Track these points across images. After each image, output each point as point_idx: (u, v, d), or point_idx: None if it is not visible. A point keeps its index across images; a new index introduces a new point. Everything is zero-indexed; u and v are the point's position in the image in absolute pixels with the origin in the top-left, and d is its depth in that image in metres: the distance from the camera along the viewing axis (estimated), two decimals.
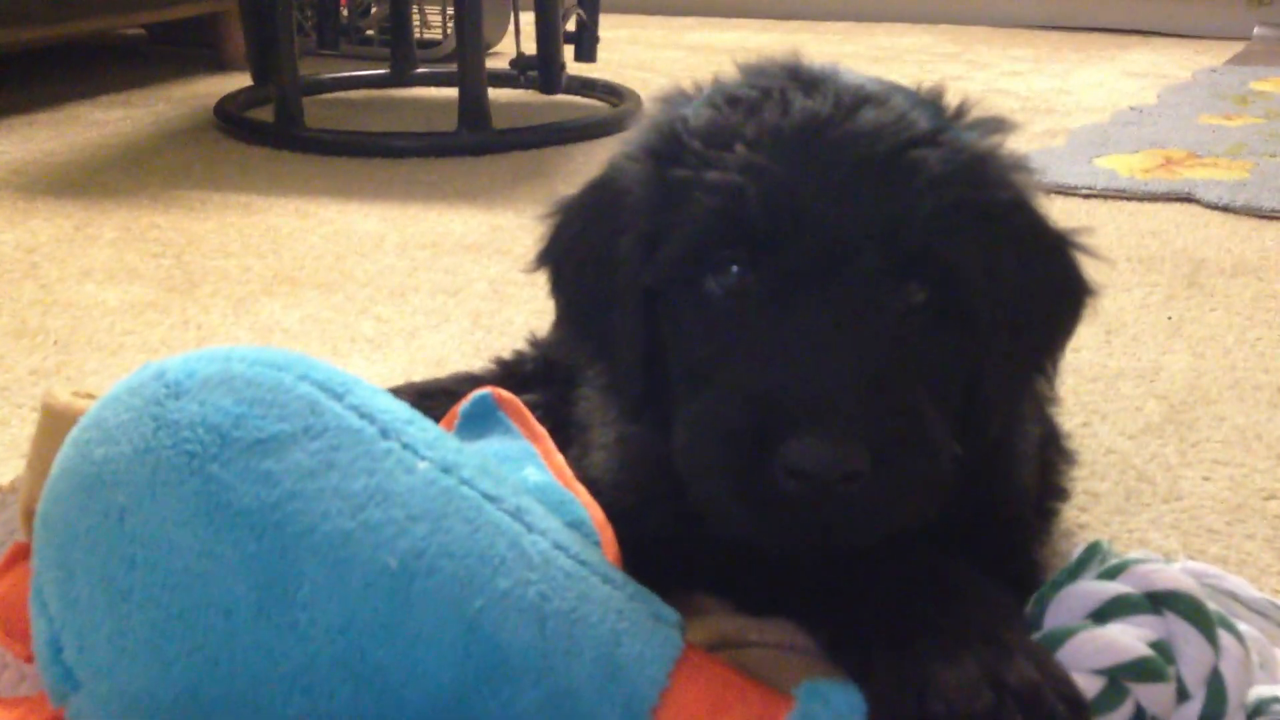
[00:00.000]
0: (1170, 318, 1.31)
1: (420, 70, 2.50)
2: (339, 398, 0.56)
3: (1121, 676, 0.53)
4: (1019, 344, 0.64)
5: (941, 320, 0.61)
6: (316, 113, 2.15)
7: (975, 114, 0.67)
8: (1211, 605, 0.54)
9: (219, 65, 2.69)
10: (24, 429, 1.01)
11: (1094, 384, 1.14)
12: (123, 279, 1.39)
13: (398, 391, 0.90)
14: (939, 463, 0.58)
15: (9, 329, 1.23)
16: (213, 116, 2.18)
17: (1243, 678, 0.54)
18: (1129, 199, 1.74)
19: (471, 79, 2.01)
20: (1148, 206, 1.72)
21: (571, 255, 0.69)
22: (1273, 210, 1.66)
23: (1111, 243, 1.55)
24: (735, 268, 0.60)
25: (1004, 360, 0.63)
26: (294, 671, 0.52)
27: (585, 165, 1.93)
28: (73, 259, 1.45)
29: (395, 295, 1.36)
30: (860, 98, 0.63)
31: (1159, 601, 0.54)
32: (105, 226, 1.58)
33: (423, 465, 0.56)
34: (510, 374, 0.99)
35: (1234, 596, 0.59)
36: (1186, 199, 1.73)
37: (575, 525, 0.63)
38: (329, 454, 0.54)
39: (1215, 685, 0.54)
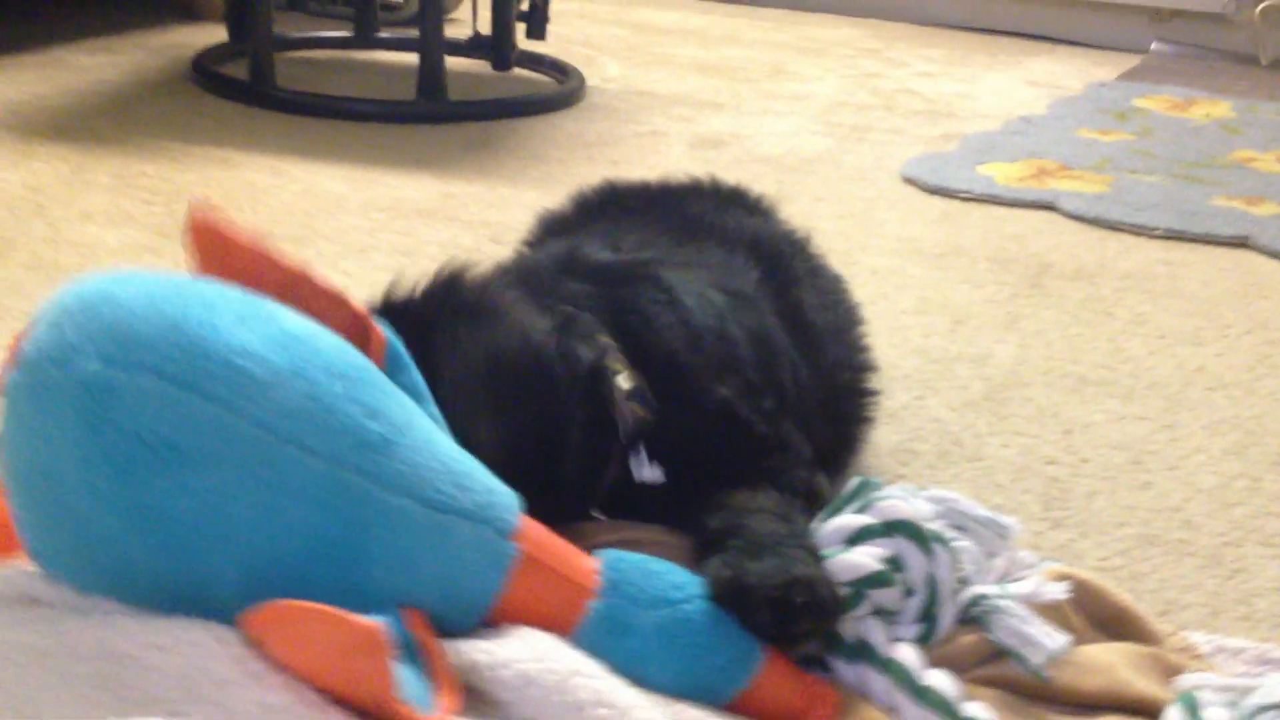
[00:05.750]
0: (1009, 312, 1.57)
1: (382, 34, 2.70)
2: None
3: (861, 586, 0.75)
4: None
5: None
6: (283, 71, 2.34)
7: None
8: (931, 526, 0.79)
9: (191, 15, 2.87)
10: None
11: (934, 365, 1.40)
12: (120, 222, 1.60)
13: None
14: None
15: (27, 262, 1.44)
16: (188, 69, 2.37)
17: (952, 578, 0.79)
18: (1000, 204, 2.00)
19: (431, 54, 2.22)
20: (1016, 212, 1.97)
21: None
22: (1118, 222, 1.92)
23: (977, 243, 1.81)
24: None
25: None
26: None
27: (529, 139, 2.16)
28: (74, 201, 1.66)
29: (358, 252, 1.58)
30: None
31: (892, 528, 0.78)
32: (99, 172, 1.78)
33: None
34: None
35: (965, 515, 0.83)
36: (1049, 207, 1.99)
37: None
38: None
39: (932, 584, 0.77)
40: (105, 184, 1.74)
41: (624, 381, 0.84)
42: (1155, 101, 2.78)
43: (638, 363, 0.87)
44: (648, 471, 0.85)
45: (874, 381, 1.14)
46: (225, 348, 0.62)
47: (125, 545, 0.61)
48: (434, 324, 0.77)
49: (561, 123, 2.30)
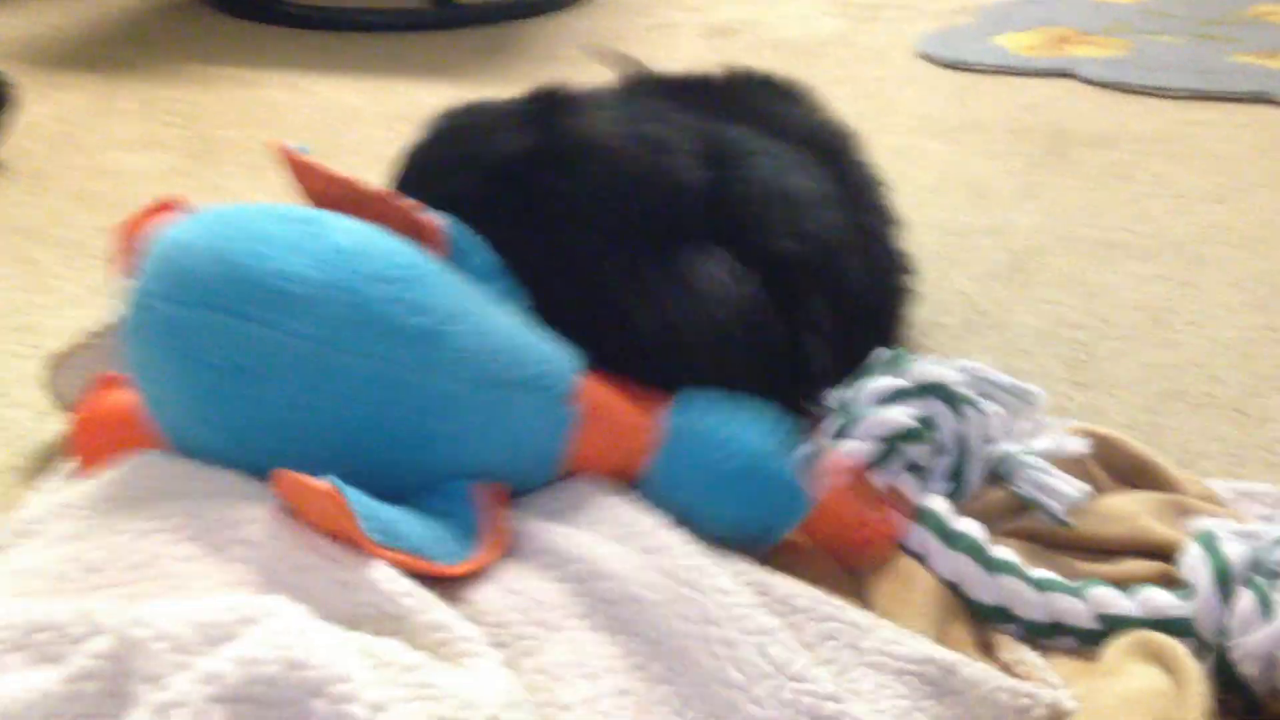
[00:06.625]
0: (1029, 182, 1.58)
1: None
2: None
3: (896, 441, 0.79)
4: None
5: None
6: None
7: None
8: (962, 390, 0.83)
9: None
10: (100, 277, 1.26)
11: (956, 238, 1.42)
12: (151, 147, 1.63)
13: None
14: None
15: (66, 193, 1.48)
16: None
17: (980, 438, 0.83)
18: (1017, 74, 2.00)
19: None
20: (1033, 81, 1.97)
21: None
22: (1137, 85, 1.92)
23: (994, 115, 1.82)
24: None
25: None
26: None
27: (540, 40, 2.17)
28: (104, 130, 1.69)
29: (383, 162, 1.59)
30: None
31: (925, 390, 0.82)
32: (125, 99, 1.81)
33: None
34: None
35: (991, 383, 0.86)
36: (1067, 74, 1.98)
37: None
38: None
39: (961, 444, 0.82)
40: (132, 111, 1.76)
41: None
42: None
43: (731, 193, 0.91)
44: None
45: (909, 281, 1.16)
46: (264, 273, 0.67)
47: (231, 460, 0.68)
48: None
49: (571, 21, 2.30)
